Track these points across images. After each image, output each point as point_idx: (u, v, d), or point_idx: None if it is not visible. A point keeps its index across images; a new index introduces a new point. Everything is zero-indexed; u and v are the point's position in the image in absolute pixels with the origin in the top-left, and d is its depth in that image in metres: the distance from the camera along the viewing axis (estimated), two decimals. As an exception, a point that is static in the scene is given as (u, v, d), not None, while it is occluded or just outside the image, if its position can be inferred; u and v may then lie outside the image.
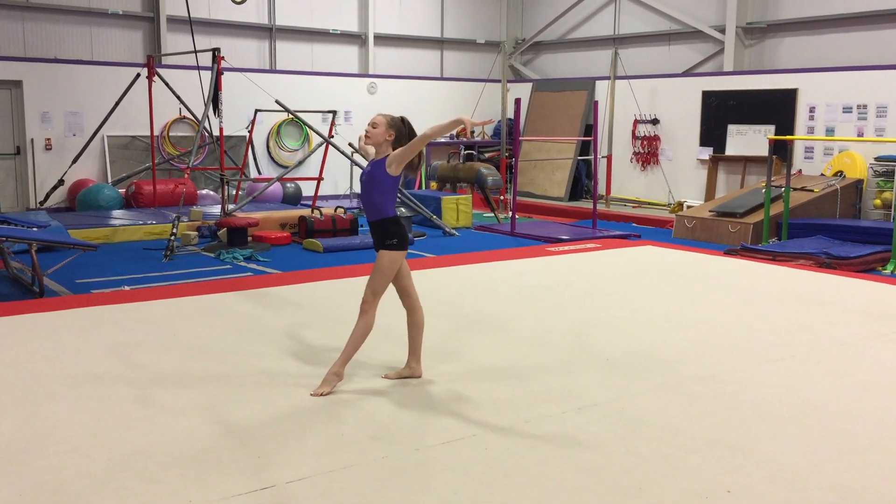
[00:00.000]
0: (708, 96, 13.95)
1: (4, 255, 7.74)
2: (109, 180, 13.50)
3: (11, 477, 3.17)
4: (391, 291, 4.52)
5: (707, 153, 13.94)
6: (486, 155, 16.48)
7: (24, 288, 7.22)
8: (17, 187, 13.38)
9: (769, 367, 4.84)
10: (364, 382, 4.41)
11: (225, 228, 9.54)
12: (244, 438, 3.59)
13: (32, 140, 13.21)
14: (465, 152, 13.93)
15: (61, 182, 13.06)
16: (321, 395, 4.15)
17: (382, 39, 17.17)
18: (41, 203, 12.95)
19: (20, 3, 13.22)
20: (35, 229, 7.44)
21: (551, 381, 4.49)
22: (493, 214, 12.89)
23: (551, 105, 16.43)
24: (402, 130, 4.36)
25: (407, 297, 4.53)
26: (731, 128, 13.61)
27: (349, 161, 11.79)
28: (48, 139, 13.31)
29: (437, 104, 17.43)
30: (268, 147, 15.41)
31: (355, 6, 16.85)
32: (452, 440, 3.62)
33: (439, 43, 18.05)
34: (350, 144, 11.95)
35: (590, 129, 14.60)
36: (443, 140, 17.18)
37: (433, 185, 14.29)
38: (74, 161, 13.10)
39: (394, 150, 4.29)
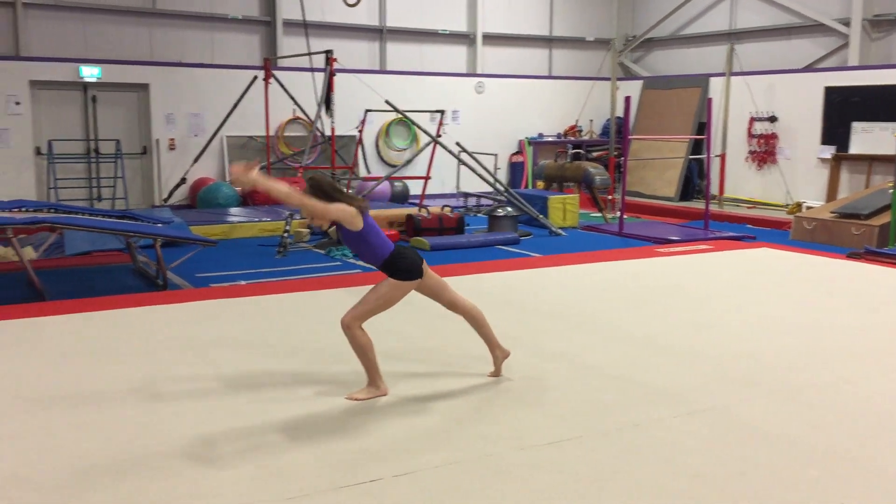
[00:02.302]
0: (831, 92, 13.31)
1: (132, 249, 8.20)
2: (227, 179, 14.05)
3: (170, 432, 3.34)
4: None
5: (829, 152, 13.30)
6: (594, 154, 16.25)
7: (149, 281, 7.61)
8: (143, 185, 14.11)
9: (894, 375, 4.58)
10: (471, 379, 4.43)
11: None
12: (347, 430, 3.66)
13: (158, 140, 13.89)
14: (573, 151, 13.79)
15: (183, 180, 13.69)
16: (355, 399, 4.07)
17: (490, 39, 17.19)
18: (165, 200, 13.62)
19: (148, 9, 13.92)
20: (159, 225, 7.82)
21: (661, 384, 4.39)
22: (600, 214, 12.71)
23: (662, 103, 16.04)
24: (316, 191, 4.01)
25: (455, 306, 4.40)
26: (856, 125, 12.94)
27: (456, 160, 11.87)
28: (172, 139, 13.97)
29: (544, 103, 17.33)
30: (377, 146, 15.69)
31: (464, 6, 16.94)
32: (558, 441, 3.59)
33: (548, 41, 17.92)
34: (458, 143, 12.03)
35: (702, 128, 14.18)
36: (550, 139, 17.06)
37: (539, 184, 14.21)
38: (196, 160, 13.71)
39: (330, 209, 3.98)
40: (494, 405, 4.06)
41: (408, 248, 4.28)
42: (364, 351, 4.12)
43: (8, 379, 4.39)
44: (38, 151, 13.19)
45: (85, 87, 13.48)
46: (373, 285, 4.22)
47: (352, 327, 4.10)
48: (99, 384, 4.31)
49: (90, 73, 13.28)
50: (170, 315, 5.90)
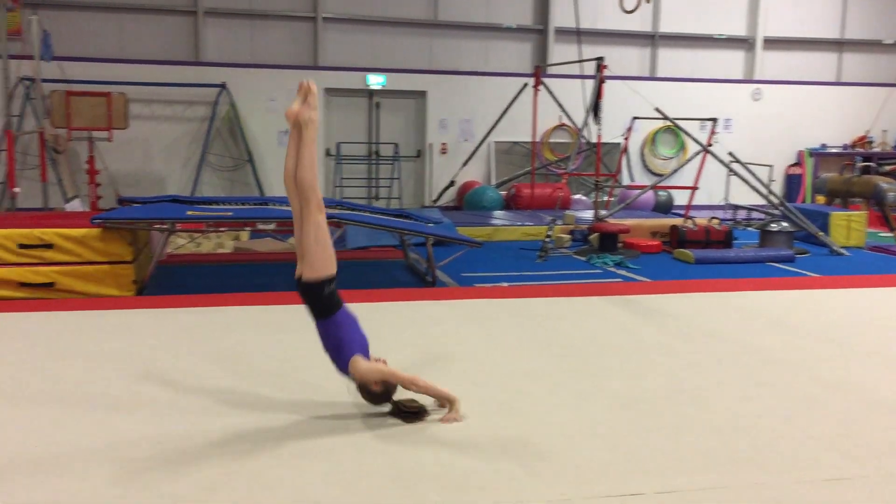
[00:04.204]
0: None
1: (405, 246, 8.74)
2: (493, 183, 14.52)
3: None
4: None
5: None
6: (887, 167, 14.71)
7: (419, 277, 8.07)
8: (415, 186, 14.99)
9: None
10: (750, 404, 4.21)
11: (597, 233, 9.73)
12: (611, 439, 3.63)
13: (431, 144, 14.70)
14: (862, 164, 12.58)
15: (452, 183, 14.36)
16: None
17: (771, 43, 16.21)
18: (434, 201, 14.37)
19: (430, 21, 14.76)
20: (430, 225, 8.27)
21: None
22: (891, 235, 11.49)
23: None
24: (389, 392, 3.78)
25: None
26: None
27: (727, 170, 11.32)
28: (444, 144, 14.71)
29: (829, 111, 16.02)
30: (642, 154, 15.40)
31: (744, 9, 16.13)
32: (837, 478, 3.30)
33: (837, 44, 16.54)
34: (730, 154, 11.47)
35: None
36: (834, 150, 15.74)
37: (820, 198, 13.14)
38: (464, 164, 14.33)
39: (372, 383, 3.73)
40: (766, 432, 3.82)
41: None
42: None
43: (292, 361, 4.85)
44: (327, 153, 14.48)
45: (370, 94, 14.59)
46: None
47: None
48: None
49: (376, 81, 14.36)
50: (438, 311, 6.21)
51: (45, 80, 11.89)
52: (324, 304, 3.79)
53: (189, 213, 7.20)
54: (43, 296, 6.57)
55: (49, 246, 6.65)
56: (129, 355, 4.84)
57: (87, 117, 11.35)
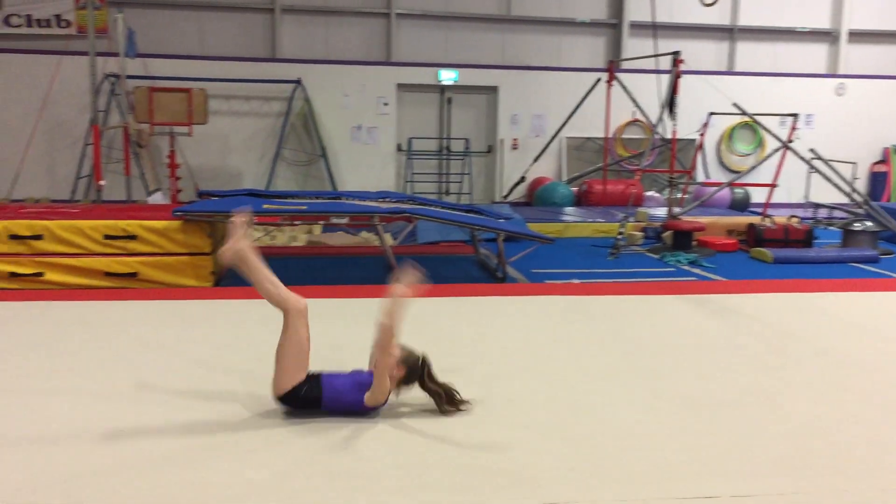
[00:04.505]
0: None
1: (475, 241, 8.76)
2: (564, 179, 14.41)
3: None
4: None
5: None
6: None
7: (489, 272, 8.08)
8: (486, 182, 14.99)
9: None
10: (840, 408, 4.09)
11: (670, 231, 9.57)
12: (684, 440, 3.57)
13: (502, 140, 14.67)
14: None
15: (523, 179, 14.31)
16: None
17: (857, 36, 15.64)
18: (504, 197, 14.35)
19: (503, 16, 14.72)
20: (501, 220, 8.26)
21: None
22: (984, 236, 10.96)
23: None
24: (415, 371, 3.71)
25: None
26: None
27: (808, 167, 10.98)
28: (515, 139, 14.66)
29: (920, 107, 15.39)
30: (718, 151, 15.07)
31: (828, 2, 15.60)
32: (924, 489, 3.18)
33: (927, 37, 15.87)
34: (811, 150, 11.13)
35: None
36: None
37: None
38: (535, 160, 14.26)
39: (392, 384, 3.65)
40: (856, 439, 3.70)
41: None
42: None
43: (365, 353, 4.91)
44: (398, 148, 14.60)
45: (442, 89, 14.64)
46: None
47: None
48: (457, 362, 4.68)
49: (448, 76, 14.40)
50: (508, 307, 6.21)
51: (129, 77, 12.31)
52: (307, 401, 3.67)
53: (265, 206, 7.36)
54: (126, 285, 6.81)
55: (133, 237, 6.89)
56: (206, 345, 4.98)
57: (168, 112, 11.70)
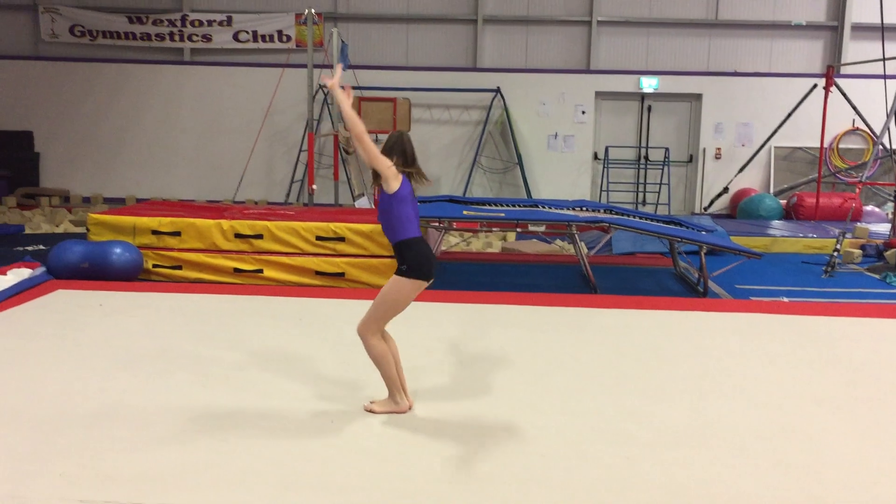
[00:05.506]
0: None
1: (674, 254, 8.49)
2: (771, 190, 13.64)
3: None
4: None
5: None
6: None
7: (689, 286, 7.79)
8: (685, 192, 14.48)
9: None
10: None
11: (894, 249, 8.79)
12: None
13: (704, 149, 14.11)
14: None
15: (726, 190, 13.70)
16: (372, 411, 3.92)
17: None
18: (705, 208, 13.79)
19: (710, 21, 14.18)
20: (703, 233, 7.95)
21: None
22: None
23: None
24: (396, 147, 3.91)
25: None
26: None
27: None
28: (718, 149, 14.06)
29: None
30: (952, 163, 13.65)
31: None
32: None
33: None
34: None
35: None
36: None
37: None
38: (741, 170, 13.60)
39: (379, 156, 3.81)
40: None
41: (424, 244, 3.89)
42: (378, 361, 3.88)
43: (555, 362, 4.89)
44: (595, 156, 14.44)
45: (642, 97, 14.32)
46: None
47: (363, 335, 3.88)
48: (642, 382, 4.57)
49: (649, 84, 14.07)
50: (711, 323, 5.96)
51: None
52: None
53: (465, 212, 7.54)
54: (333, 284, 7.22)
55: (341, 239, 7.30)
56: (407, 345, 5.17)
57: (375, 120, 12.28)
